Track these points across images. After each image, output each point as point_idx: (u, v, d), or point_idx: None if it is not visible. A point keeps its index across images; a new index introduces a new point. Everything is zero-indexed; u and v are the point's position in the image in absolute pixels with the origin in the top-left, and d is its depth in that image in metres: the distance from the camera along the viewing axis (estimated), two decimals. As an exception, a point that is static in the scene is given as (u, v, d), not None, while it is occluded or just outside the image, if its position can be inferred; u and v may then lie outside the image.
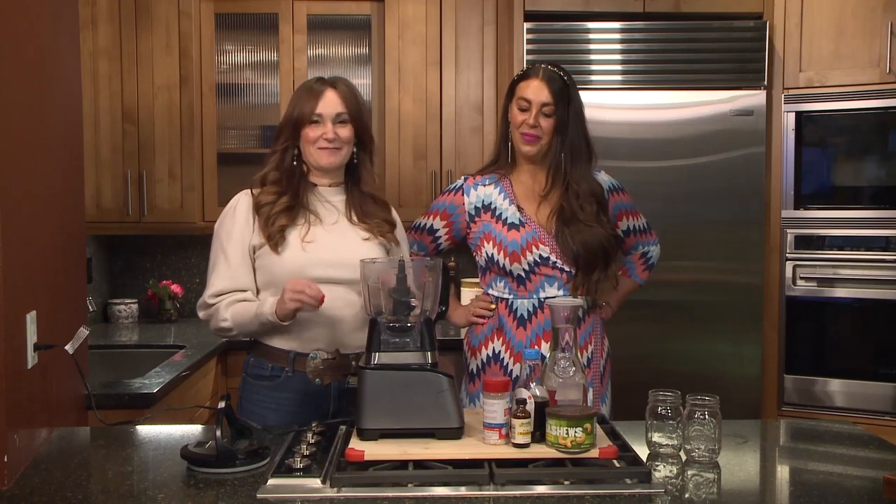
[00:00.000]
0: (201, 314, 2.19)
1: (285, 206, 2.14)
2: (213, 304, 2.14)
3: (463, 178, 2.49)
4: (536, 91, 2.33)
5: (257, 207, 2.15)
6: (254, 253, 2.15)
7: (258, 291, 2.17)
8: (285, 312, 2.03)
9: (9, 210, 1.73)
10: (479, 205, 2.42)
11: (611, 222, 2.41)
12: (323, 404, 2.14)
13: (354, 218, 2.22)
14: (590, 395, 2.38)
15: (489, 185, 2.43)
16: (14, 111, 1.80)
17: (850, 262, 3.36)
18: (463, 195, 2.44)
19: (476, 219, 2.42)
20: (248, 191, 2.21)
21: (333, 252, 2.13)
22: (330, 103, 2.16)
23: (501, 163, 2.45)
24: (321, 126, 2.16)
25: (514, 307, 2.38)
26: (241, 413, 2.14)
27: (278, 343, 2.15)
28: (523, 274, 2.35)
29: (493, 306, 2.41)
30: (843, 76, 3.33)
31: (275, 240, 2.10)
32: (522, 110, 2.34)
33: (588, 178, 2.38)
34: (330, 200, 2.22)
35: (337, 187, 2.24)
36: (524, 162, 2.41)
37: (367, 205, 2.24)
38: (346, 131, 2.18)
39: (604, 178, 2.46)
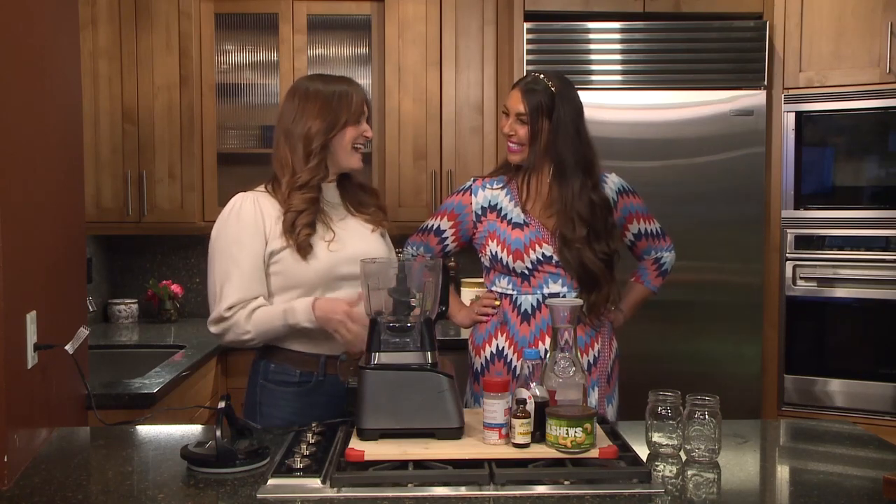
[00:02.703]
0: (215, 329, 2.11)
1: (314, 215, 2.12)
2: (229, 317, 2.08)
3: (472, 179, 2.50)
4: (513, 100, 2.37)
5: (286, 212, 2.10)
6: (270, 258, 2.11)
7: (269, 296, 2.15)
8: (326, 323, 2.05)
9: (9, 210, 1.73)
10: (486, 205, 2.42)
11: (612, 235, 2.38)
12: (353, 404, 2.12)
13: (352, 209, 2.24)
14: (595, 396, 2.38)
15: (497, 187, 2.43)
16: (14, 111, 1.80)
17: (850, 262, 3.36)
18: (471, 195, 2.45)
19: (482, 218, 2.42)
20: (246, 193, 2.16)
21: (354, 248, 2.13)
22: (364, 103, 2.22)
23: (508, 167, 2.45)
24: (360, 126, 2.19)
25: (518, 302, 2.38)
26: (263, 420, 2.11)
27: (305, 348, 2.13)
28: (527, 272, 2.35)
29: (498, 302, 2.41)
30: (843, 76, 3.33)
31: (305, 249, 2.08)
32: (505, 115, 2.40)
33: (578, 198, 2.32)
34: (330, 197, 2.22)
35: (333, 183, 2.25)
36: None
37: (360, 194, 2.28)
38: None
39: (614, 180, 2.46)
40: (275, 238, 2.11)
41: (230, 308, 2.08)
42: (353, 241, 2.16)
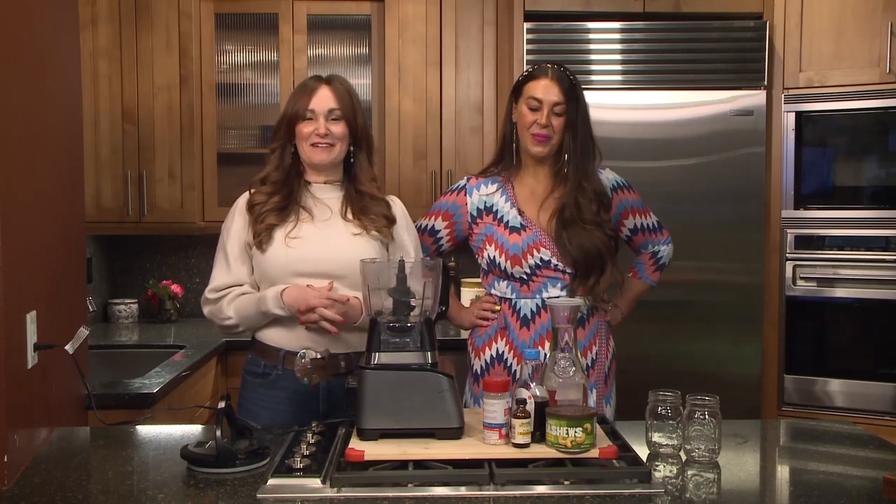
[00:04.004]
0: (205, 310, 2.22)
1: (276, 205, 2.15)
2: (215, 300, 2.17)
3: (466, 178, 2.48)
4: (547, 90, 2.32)
5: (250, 206, 2.18)
6: (249, 250, 2.18)
7: (258, 288, 2.19)
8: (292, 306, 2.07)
9: (9, 210, 1.73)
10: (482, 206, 2.41)
11: (612, 224, 2.40)
12: (312, 404, 2.14)
13: (349, 215, 2.21)
14: (593, 397, 2.38)
15: (492, 186, 2.42)
16: (14, 111, 1.80)
17: (850, 262, 3.36)
18: (466, 195, 2.44)
19: (478, 220, 2.41)
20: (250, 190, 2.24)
21: (320, 247, 2.14)
22: (323, 99, 2.17)
23: (506, 164, 2.43)
24: (314, 122, 2.16)
25: (518, 307, 2.37)
26: (239, 410, 2.15)
27: (271, 340, 2.16)
28: (525, 276, 2.34)
29: (498, 307, 2.40)
30: (843, 76, 3.33)
31: (260, 238, 2.13)
32: (533, 110, 2.33)
33: (593, 178, 2.37)
34: (324, 198, 2.22)
35: (332, 185, 2.24)
36: (529, 163, 2.40)
37: (365, 202, 2.22)
38: (338, 128, 2.17)
39: (608, 175, 2.45)
40: (250, 230, 2.17)
41: (214, 290, 2.17)
42: (321, 241, 2.15)
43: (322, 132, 2.15)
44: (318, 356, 1.99)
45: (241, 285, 2.17)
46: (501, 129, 2.50)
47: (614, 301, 2.51)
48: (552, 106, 2.31)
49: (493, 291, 2.42)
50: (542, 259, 2.33)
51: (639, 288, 2.56)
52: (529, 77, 2.37)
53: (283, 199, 2.16)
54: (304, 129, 2.16)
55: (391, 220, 2.24)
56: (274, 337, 2.16)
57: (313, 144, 2.16)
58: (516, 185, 2.41)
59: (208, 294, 2.19)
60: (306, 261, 2.12)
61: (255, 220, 2.15)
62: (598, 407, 2.37)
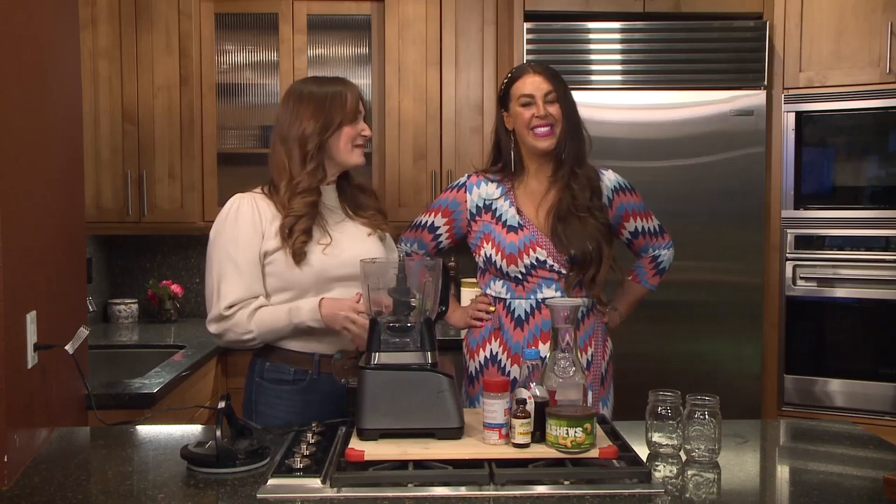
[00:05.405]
0: (214, 328, 2.11)
1: (312, 220, 2.11)
2: (230, 316, 2.08)
3: (467, 175, 2.48)
4: (534, 83, 2.34)
5: (285, 216, 2.10)
6: (264, 258, 2.11)
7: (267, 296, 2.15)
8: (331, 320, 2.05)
9: (9, 210, 1.73)
10: (481, 204, 2.41)
11: (604, 211, 2.39)
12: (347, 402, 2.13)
13: (350, 212, 2.24)
14: (589, 399, 2.37)
15: (492, 185, 2.41)
16: (14, 111, 1.80)
17: (850, 262, 3.37)
18: (466, 192, 2.43)
19: (477, 218, 2.41)
20: (244, 194, 2.17)
21: (347, 251, 2.13)
22: (360, 102, 2.21)
23: (506, 171, 2.42)
24: (358, 124, 2.18)
25: (512, 308, 2.37)
26: (259, 418, 2.12)
27: (300, 346, 2.13)
28: (520, 276, 2.34)
29: (493, 308, 2.40)
30: (843, 76, 3.33)
31: (299, 256, 2.08)
32: (527, 106, 2.33)
33: (585, 164, 2.38)
34: (327, 199, 2.22)
35: (331, 185, 2.24)
36: (532, 167, 2.40)
37: (359, 197, 2.27)
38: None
39: (610, 177, 2.44)
40: (270, 238, 2.11)
41: (230, 307, 2.08)
42: (347, 245, 2.15)
43: (368, 133, 2.20)
44: (354, 355, 1.98)
45: (255, 297, 2.10)
46: (494, 136, 2.48)
47: (613, 304, 2.51)
48: (544, 95, 2.33)
49: (488, 291, 2.42)
50: (537, 259, 2.33)
51: (638, 292, 2.56)
52: (513, 79, 2.39)
53: (314, 211, 2.13)
54: (352, 130, 2.17)
55: (384, 214, 2.31)
56: (304, 344, 2.13)
57: (357, 145, 2.18)
58: (517, 185, 2.41)
59: (224, 311, 2.07)
60: (340, 266, 2.12)
61: (289, 236, 2.08)
62: (594, 409, 2.36)
